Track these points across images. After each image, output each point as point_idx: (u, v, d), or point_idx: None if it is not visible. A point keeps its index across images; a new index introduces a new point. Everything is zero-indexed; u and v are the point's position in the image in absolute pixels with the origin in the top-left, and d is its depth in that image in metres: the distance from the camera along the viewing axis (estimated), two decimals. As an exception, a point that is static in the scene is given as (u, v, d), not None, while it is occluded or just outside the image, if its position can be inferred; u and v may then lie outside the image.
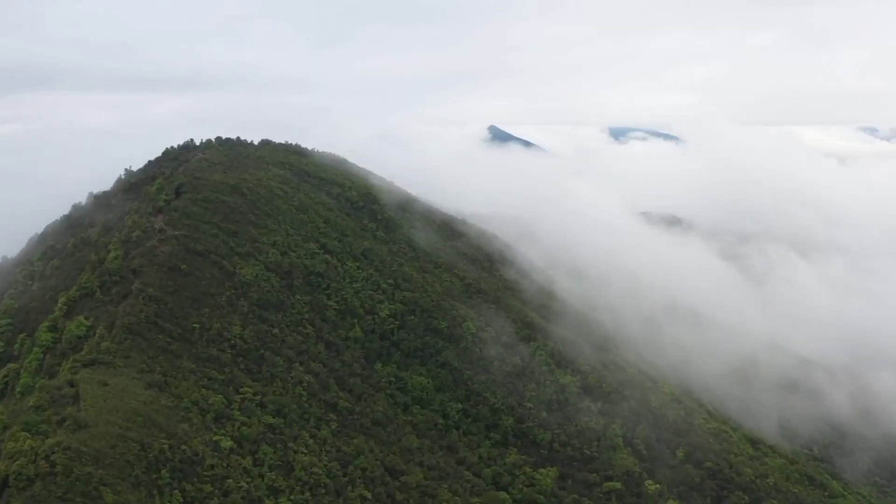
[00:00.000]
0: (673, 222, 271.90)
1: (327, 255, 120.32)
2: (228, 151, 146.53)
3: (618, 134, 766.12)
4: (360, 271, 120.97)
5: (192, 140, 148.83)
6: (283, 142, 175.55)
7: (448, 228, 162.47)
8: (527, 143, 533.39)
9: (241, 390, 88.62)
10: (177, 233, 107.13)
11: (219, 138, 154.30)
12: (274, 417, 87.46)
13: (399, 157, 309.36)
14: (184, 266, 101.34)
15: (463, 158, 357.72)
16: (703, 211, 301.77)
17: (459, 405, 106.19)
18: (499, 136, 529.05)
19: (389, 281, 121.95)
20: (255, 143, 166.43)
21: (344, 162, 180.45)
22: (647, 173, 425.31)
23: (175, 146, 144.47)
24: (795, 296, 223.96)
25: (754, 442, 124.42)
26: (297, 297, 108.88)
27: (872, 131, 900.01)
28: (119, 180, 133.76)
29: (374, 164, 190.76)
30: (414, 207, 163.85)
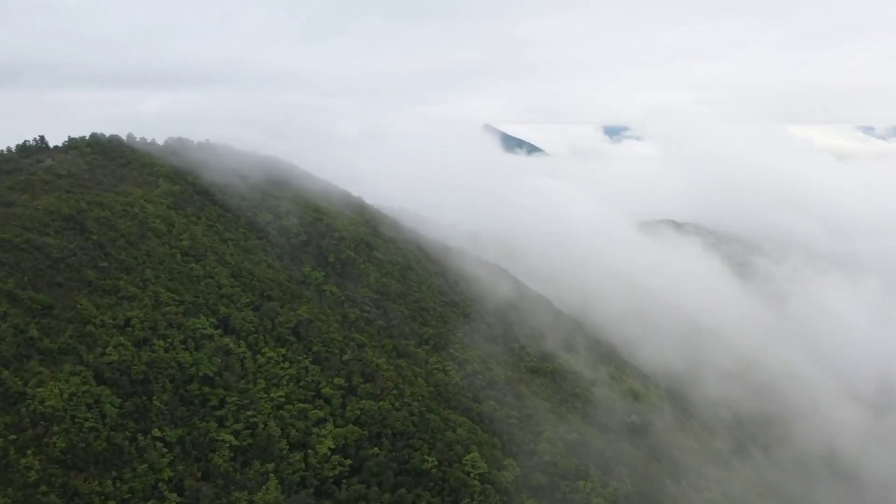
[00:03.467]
0: (672, 228, 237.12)
1: (228, 339, 69.30)
2: (99, 157, 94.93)
3: (612, 133, 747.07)
4: (288, 366, 70.13)
5: (41, 138, 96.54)
6: (204, 140, 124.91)
7: (438, 267, 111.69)
8: (521, 142, 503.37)
9: None
10: (-80, 315, 56.07)
11: (94, 135, 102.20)
12: None
13: (387, 159, 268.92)
14: None
15: (456, 159, 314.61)
16: (701, 213, 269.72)
17: None
18: (493, 136, 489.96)
19: (339, 380, 71.29)
20: (161, 142, 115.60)
21: (292, 169, 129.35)
22: (640, 174, 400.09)
23: (8, 148, 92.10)
24: (833, 323, 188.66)
25: None
26: (155, 433, 58.10)
27: (868, 130, 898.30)
28: None
29: (356, 167, 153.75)
30: (393, 237, 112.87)
